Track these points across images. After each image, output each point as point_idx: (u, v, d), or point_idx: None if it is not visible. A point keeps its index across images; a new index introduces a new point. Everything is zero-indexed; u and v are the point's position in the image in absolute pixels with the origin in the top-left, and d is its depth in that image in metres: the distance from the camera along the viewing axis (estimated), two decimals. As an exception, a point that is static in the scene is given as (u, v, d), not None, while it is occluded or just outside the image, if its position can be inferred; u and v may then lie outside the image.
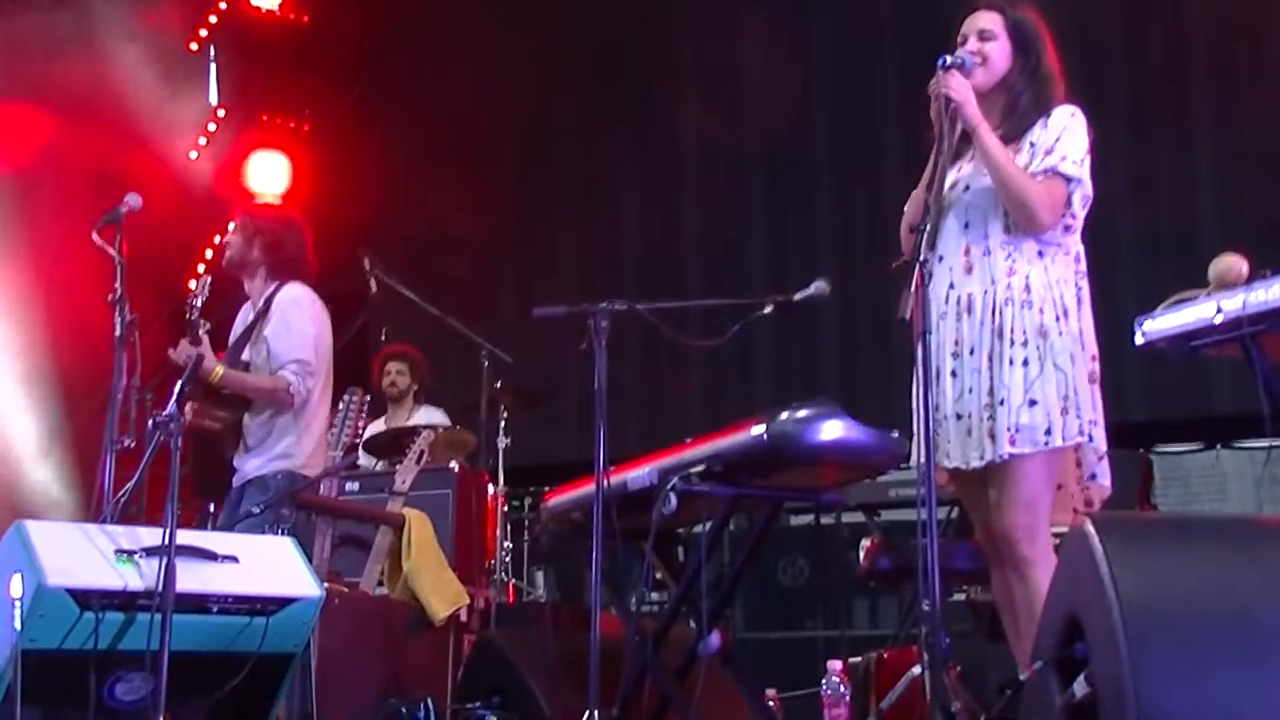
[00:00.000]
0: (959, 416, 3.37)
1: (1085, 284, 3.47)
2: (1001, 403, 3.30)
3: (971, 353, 3.38)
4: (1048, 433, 3.29)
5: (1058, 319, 3.36)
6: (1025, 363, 3.31)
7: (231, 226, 4.99)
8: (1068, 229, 3.42)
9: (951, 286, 3.45)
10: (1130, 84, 7.22)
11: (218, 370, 4.63)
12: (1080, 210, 3.42)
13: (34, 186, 7.18)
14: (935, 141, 3.41)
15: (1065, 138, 3.41)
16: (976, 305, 3.40)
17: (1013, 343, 3.33)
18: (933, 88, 3.40)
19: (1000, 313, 3.36)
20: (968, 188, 3.47)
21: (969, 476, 3.41)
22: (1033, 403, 3.29)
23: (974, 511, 3.53)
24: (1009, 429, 3.28)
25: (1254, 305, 3.29)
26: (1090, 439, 3.36)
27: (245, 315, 4.98)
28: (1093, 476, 3.41)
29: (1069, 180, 3.38)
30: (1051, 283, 3.39)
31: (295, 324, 4.78)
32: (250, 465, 4.76)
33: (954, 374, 3.40)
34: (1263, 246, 3.54)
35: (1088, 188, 3.41)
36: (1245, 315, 3.29)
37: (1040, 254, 3.41)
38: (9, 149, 7.13)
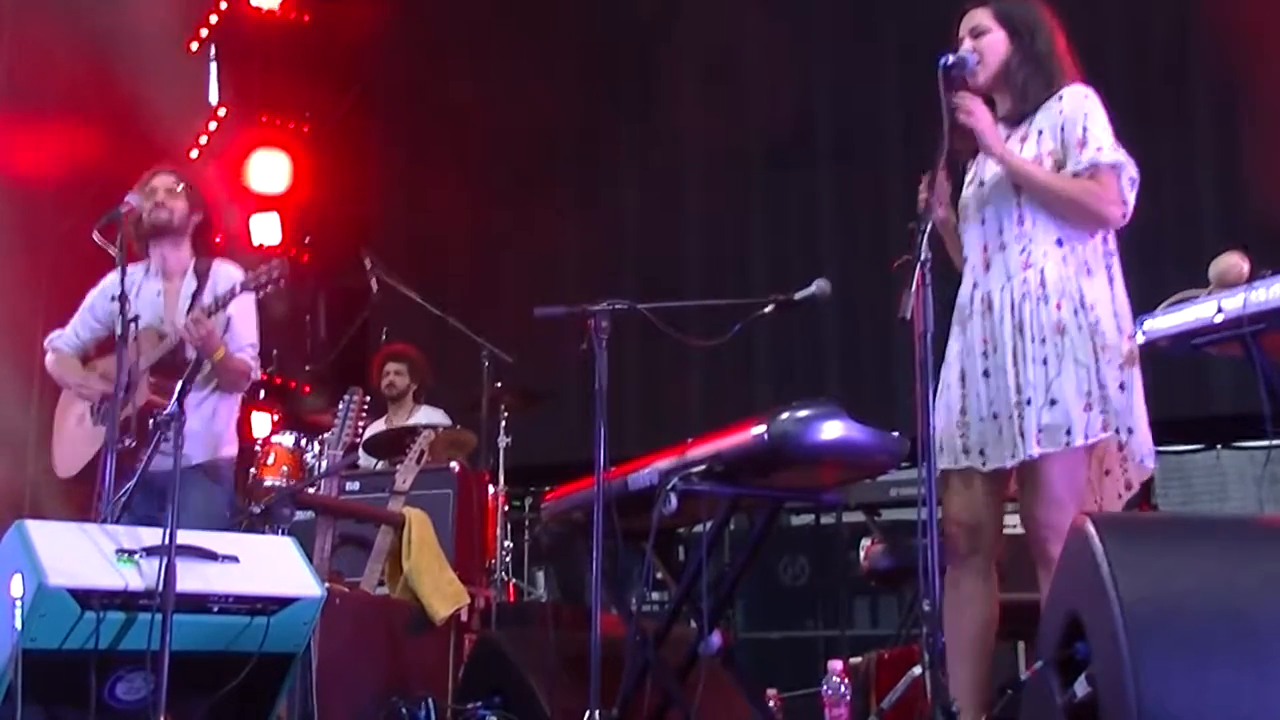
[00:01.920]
0: (995, 416, 3.35)
1: (1115, 261, 3.41)
2: (1029, 402, 3.29)
3: (997, 350, 3.36)
4: (1068, 432, 3.26)
5: (1076, 312, 3.31)
6: (1044, 361, 3.29)
7: (166, 185, 4.65)
8: (1125, 215, 3.35)
9: (975, 286, 3.45)
10: (1131, 84, 7.21)
11: (223, 349, 4.46)
12: (1130, 193, 3.33)
13: (35, 187, 7.17)
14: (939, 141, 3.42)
15: (1091, 125, 3.34)
16: (997, 302, 3.38)
17: (1033, 339, 3.31)
18: (958, 104, 3.35)
19: (1019, 309, 3.34)
20: (981, 183, 3.47)
21: (982, 481, 3.40)
22: (1053, 402, 3.27)
23: (946, 509, 3.47)
24: (1036, 429, 3.27)
25: (1255, 304, 3.29)
26: (1116, 431, 3.30)
27: (135, 284, 4.52)
28: (1140, 460, 3.35)
29: (1114, 167, 3.32)
30: (1069, 275, 3.34)
31: (250, 307, 4.63)
32: (191, 450, 4.29)
33: (986, 374, 3.37)
34: (1264, 246, 3.54)
35: (1132, 168, 3.34)
36: (1246, 314, 3.30)
37: (1059, 243, 3.36)
38: (11, 152, 7.13)
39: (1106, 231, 3.41)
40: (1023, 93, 3.45)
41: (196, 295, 4.57)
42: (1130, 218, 3.39)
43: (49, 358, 4.81)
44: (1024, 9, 3.49)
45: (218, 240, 4.79)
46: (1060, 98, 3.41)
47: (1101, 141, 3.34)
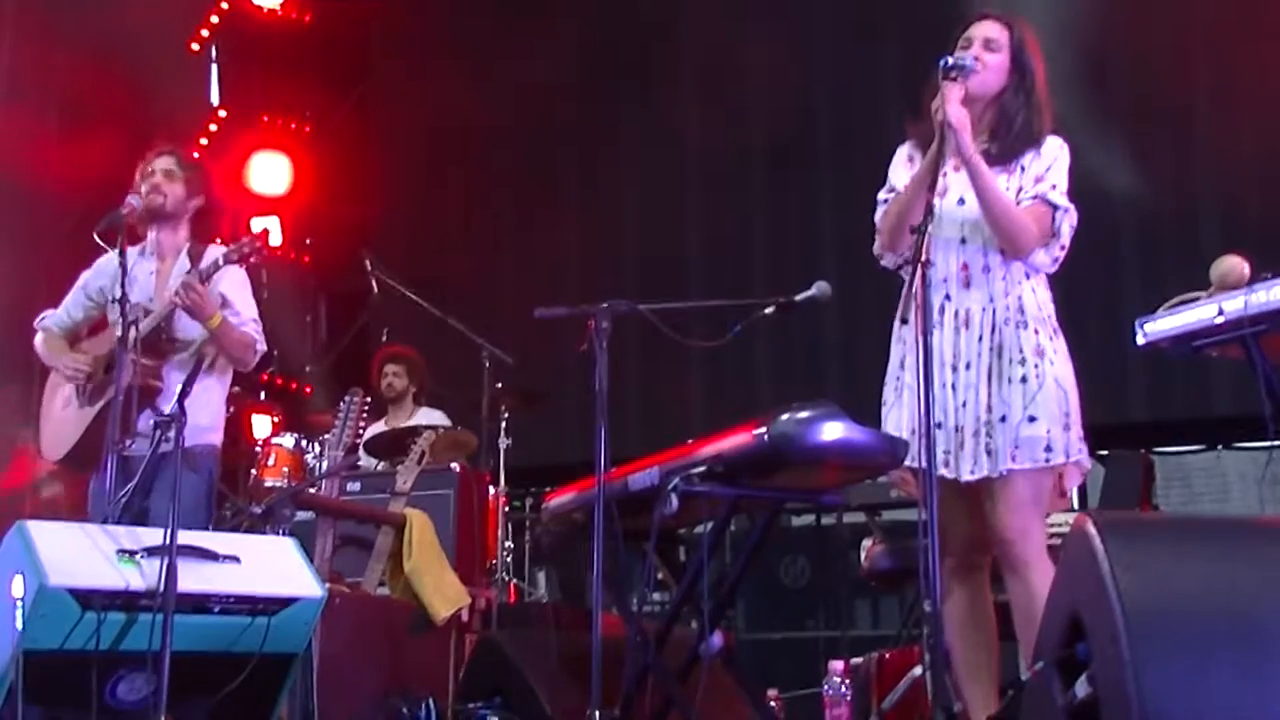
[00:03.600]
0: (956, 429, 3.40)
1: (1054, 311, 3.54)
2: (1002, 419, 3.36)
3: (969, 367, 3.40)
4: (1048, 449, 3.34)
5: (1051, 338, 3.44)
6: (1024, 380, 3.37)
7: (164, 167, 4.60)
8: (1056, 260, 3.50)
9: (948, 298, 3.47)
10: (1131, 84, 7.22)
11: (218, 315, 4.38)
12: (1068, 240, 3.48)
13: (35, 188, 7.17)
14: (922, 130, 3.43)
15: (1055, 168, 3.48)
16: (975, 321, 3.44)
17: (1011, 360, 3.39)
18: (935, 107, 3.40)
19: (999, 331, 3.42)
20: (962, 200, 3.48)
21: (950, 486, 3.41)
22: (1031, 419, 3.34)
23: (943, 518, 3.48)
24: (1010, 445, 3.32)
25: (1255, 306, 3.31)
26: (1081, 455, 3.43)
27: (130, 263, 4.39)
28: (1063, 493, 3.47)
29: (1055, 208, 3.45)
30: (1040, 303, 3.47)
31: (244, 284, 4.58)
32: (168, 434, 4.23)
33: (953, 387, 3.43)
34: (1264, 248, 3.55)
35: (1074, 218, 3.48)
36: (1247, 316, 3.31)
37: (1027, 275, 3.49)
38: (11, 152, 7.13)
39: (1048, 283, 3.53)
40: (1014, 133, 3.51)
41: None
42: (1065, 259, 3.50)
43: (38, 338, 4.75)
44: (1029, 46, 3.55)
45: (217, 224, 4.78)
46: (1041, 144, 3.51)
47: (1058, 184, 3.46)
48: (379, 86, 9.34)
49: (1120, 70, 7.23)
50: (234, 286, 4.54)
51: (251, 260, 4.39)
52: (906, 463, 3.40)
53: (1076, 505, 3.51)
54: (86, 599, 3.23)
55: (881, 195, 3.66)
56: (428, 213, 8.64)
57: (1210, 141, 7.14)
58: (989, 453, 3.35)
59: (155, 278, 4.59)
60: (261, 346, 4.58)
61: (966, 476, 3.37)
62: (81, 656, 3.23)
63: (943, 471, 3.38)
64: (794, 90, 7.97)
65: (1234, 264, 3.47)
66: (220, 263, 4.34)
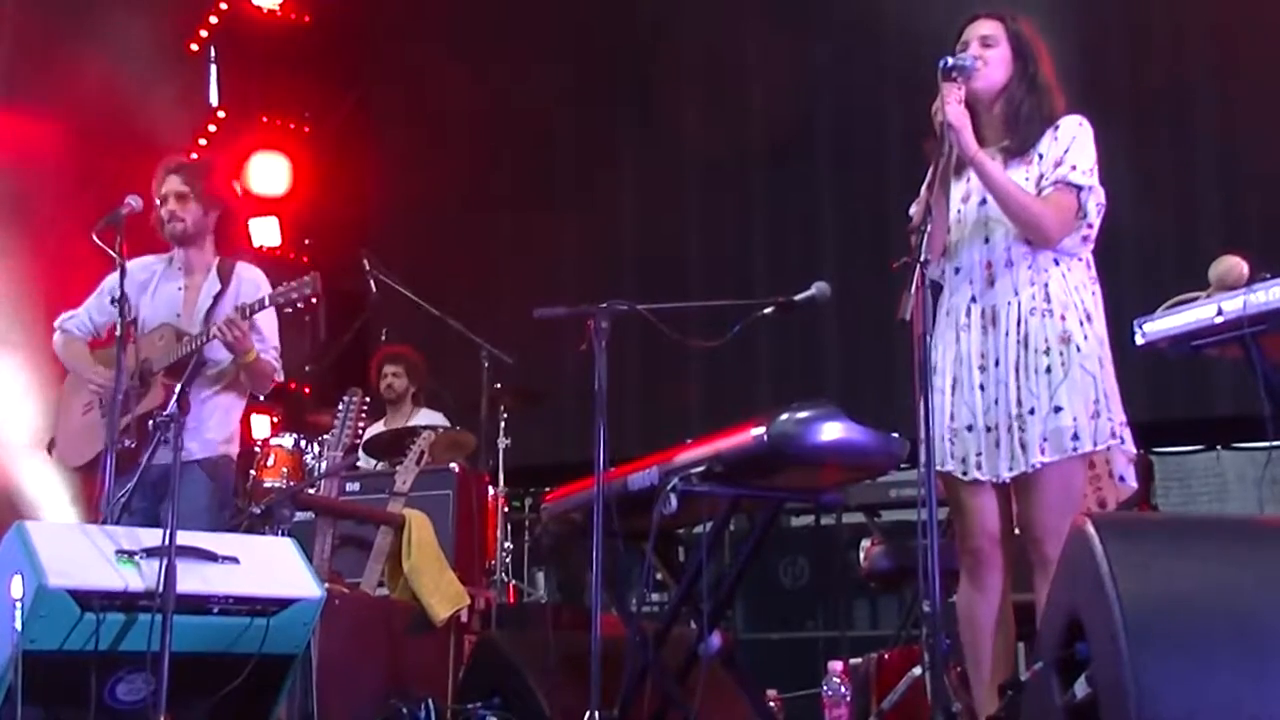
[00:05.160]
0: (989, 429, 3.37)
1: (1099, 289, 3.48)
2: (1031, 412, 3.31)
3: (998, 364, 3.38)
4: (1074, 438, 3.29)
5: (1081, 324, 3.36)
6: (1048, 370, 3.32)
7: (176, 191, 4.57)
8: (1085, 239, 3.43)
9: (974, 300, 3.45)
10: (1132, 85, 7.22)
11: (254, 351, 4.43)
12: (1096, 217, 3.41)
13: (35, 187, 7.17)
14: (936, 145, 3.41)
15: (1074, 148, 3.42)
16: (1001, 317, 3.40)
17: (1036, 351, 3.34)
18: (935, 109, 3.39)
19: (1025, 323, 3.37)
20: (984, 201, 3.47)
21: (980, 485, 3.40)
22: (1058, 409, 3.30)
23: (966, 518, 3.47)
24: (1040, 438, 3.29)
25: (1254, 306, 3.31)
26: (1122, 441, 3.37)
27: (155, 274, 4.60)
28: (1121, 478, 3.41)
29: (1079, 189, 3.39)
30: (1071, 288, 3.39)
31: (272, 310, 4.58)
32: (193, 446, 4.31)
33: (982, 387, 3.39)
34: (1264, 248, 3.55)
35: (1100, 194, 3.42)
36: (1246, 316, 3.31)
37: (1056, 261, 3.41)
38: (10, 150, 7.13)
39: (1087, 262, 3.46)
40: (1024, 120, 3.47)
41: (219, 296, 4.53)
42: (1096, 239, 3.44)
43: (57, 338, 4.74)
44: (1027, 33, 3.53)
45: (236, 236, 4.78)
46: (1057, 127, 3.47)
47: (1078, 164, 3.40)
48: (378, 87, 9.34)
49: (1120, 69, 7.24)
50: (265, 314, 4.54)
51: (297, 308, 4.42)
52: (936, 467, 3.35)
53: (1135, 484, 3.44)
54: (86, 599, 3.24)
55: (911, 210, 3.63)
56: (427, 213, 8.64)
57: (1210, 141, 7.14)
58: (1023, 447, 3.32)
59: (184, 293, 4.60)
60: (279, 376, 4.63)
61: (1005, 474, 3.34)
62: (81, 657, 3.24)
63: (977, 474, 3.37)
64: (794, 90, 7.97)
65: (1233, 264, 3.46)
66: (267, 302, 4.38)
